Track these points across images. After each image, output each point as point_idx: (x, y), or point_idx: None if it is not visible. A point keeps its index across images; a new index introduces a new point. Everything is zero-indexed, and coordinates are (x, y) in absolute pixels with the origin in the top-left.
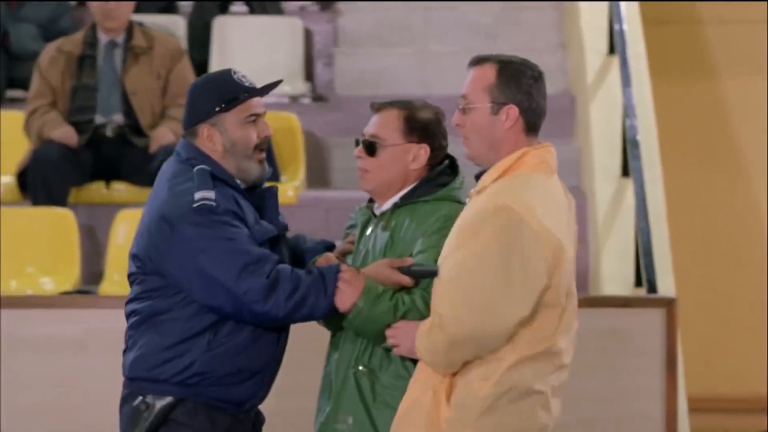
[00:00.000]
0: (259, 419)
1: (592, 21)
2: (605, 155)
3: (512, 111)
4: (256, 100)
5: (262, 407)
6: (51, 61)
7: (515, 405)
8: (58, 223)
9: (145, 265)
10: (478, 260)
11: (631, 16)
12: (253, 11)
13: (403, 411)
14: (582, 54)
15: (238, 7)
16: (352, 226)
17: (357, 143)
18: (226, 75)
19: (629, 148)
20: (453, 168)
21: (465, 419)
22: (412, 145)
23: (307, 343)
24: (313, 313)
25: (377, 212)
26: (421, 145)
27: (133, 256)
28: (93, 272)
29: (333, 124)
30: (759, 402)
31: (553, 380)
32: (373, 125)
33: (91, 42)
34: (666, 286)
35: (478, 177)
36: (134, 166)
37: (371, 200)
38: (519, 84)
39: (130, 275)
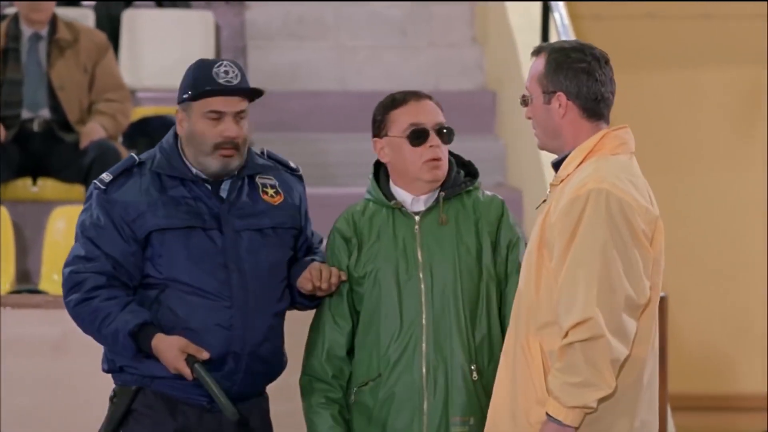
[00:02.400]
0: (261, 408)
1: (523, 16)
2: (534, 150)
3: (561, 98)
4: (226, 99)
5: None
6: None
7: (623, 400)
8: None
9: None
10: (600, 252)
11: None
12: (160, 4)
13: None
14: (508, 49)
15: None
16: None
17: (425, 134)
18: (207, 65)
19: None
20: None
21: None
22: None
23: (289, 346)
24: (93, 333)
25: (415, 208)
26: None
27: None
28: (22, 270)
29: (252, 120)
30: (758, 400)
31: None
32: (437, 113)
33: (14, 35)
34: None
35: (555, 166)
36: (63, 162)
37: (384, 197)
38: (565, 70)
39: None
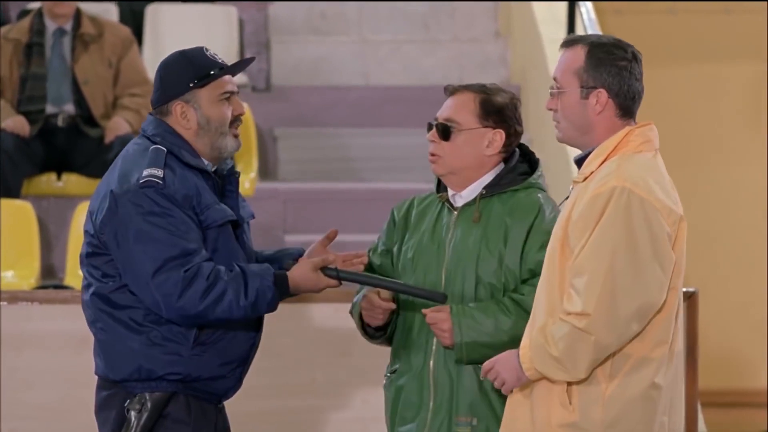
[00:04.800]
0: None
1: (548, 9)
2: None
3: (601, 95)
4: (229, 78)
5: (251, 407)
6: None
7: (643, 402)
8: (17, 216)
9: (98, 241)
10: (610, 253)
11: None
12: None
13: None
14: (533, 43)
15: None
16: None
17: (430, 127)
18: (198, 52)
19: None
20: (525, 155)
21: (591, 423)
22: (487, 130)
23: (294, 345)
24: (230, 312)
25: (457, 203)
26: (496, 130)
27: (86, 233)
28: (46, 265)
29: (275, 114)
30: (759, 396)
31: (668, 370)
32: (447, 108)
33: (39, 29)
34: None
35: (578, 162)
36: (87, 156)
37: (439, 189)
38: (608, 67)
39: (83, 256)
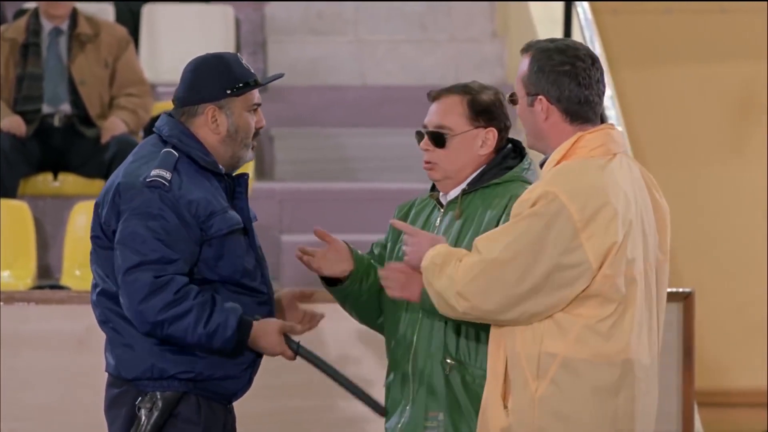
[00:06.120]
0: None
1: (544, 10)
2: None
3: (542, 102)
4: (257, 90)
5: (252, 407)
6: None
7: (576, 406)
8: (13, 216)
9: (102, 234)
10: (507, 246)
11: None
12: None
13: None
14: None
15: None
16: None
17: (420, 135)
18: (235, 58)
19: None
20: (517, 150)
21: (524, 427)
22: (479, 130)
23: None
24: (185, 334)
25: (445, 201)
26: (488, 128)
27: (92, 229)
28: (43, 265)
29: (272, 114)
30: (757, 396)
31: (621, 375)
32: (435, 114)
33: (35, 29)
34: None
35: (542, 165)
36: (83, 157)
37: (433, 189)
38: (547, 73)
39: (91, 253)
